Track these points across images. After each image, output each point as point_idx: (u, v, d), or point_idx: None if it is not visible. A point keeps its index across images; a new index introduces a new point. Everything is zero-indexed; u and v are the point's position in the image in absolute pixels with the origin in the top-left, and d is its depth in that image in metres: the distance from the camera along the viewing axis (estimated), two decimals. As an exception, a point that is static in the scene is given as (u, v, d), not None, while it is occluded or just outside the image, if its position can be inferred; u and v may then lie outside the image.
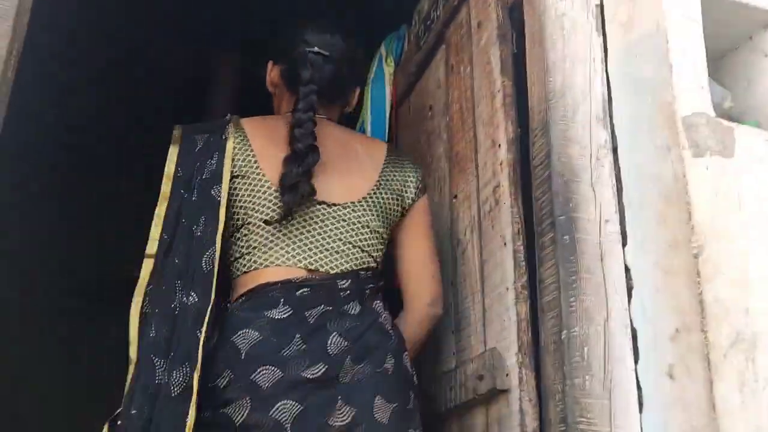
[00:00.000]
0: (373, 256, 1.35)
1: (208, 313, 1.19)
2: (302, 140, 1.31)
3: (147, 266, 1.26)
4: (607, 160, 1.16)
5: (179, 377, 1.14)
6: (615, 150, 1.18)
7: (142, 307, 1.23)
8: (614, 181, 1.15)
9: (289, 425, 1.13)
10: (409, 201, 1.41)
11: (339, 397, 1.16)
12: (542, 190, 1.17)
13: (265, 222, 1.29)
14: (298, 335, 1.20)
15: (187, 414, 1.10)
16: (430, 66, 1.80)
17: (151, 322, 1.20)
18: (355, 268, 1.31)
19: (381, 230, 1.36)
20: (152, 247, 1.28)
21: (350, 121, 1.62)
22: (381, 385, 1.19)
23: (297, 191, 1.28)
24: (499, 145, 1.35)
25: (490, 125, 1.40)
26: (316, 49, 1.40)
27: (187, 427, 1.10)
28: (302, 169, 1.29)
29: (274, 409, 1.13)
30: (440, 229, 1.59)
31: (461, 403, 1.29)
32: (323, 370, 1.17)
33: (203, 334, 1.17)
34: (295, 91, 1.38)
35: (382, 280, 1.37)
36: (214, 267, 1.24)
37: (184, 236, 1.28)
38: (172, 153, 1.36)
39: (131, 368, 1.17)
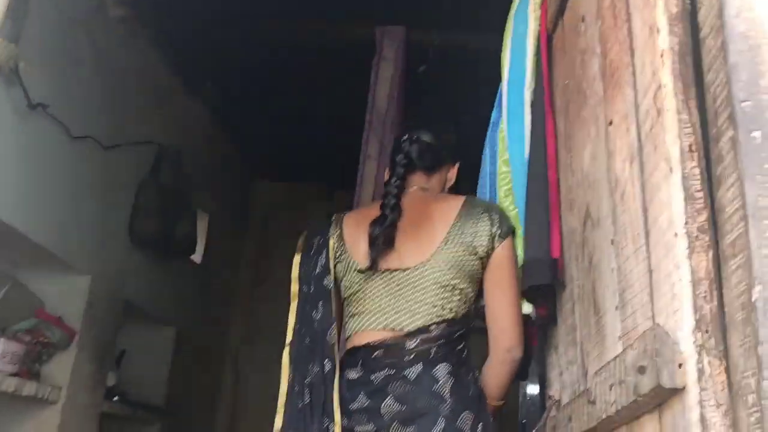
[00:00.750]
0: (447, 308, 1.52)
1: (336, 376, 1.48)
2: (388, 202, 1.63)
3: (287, 354, 1.57)
4: (831, 5, 0.69)
5: (327, 428, 1.46)
6: None
7: (288, 384, 1.54)
8: None
9: None
10: (483, 250, 1.53)
11: None
12: (715, 68, 0.74)
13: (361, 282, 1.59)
14: (363, 393, 1.48)
15: None
16: (580, -34, 1.39)
17: (303, 391, 1.51)
18: (426, 323, 1.51)
19: (454, 282, 1.53)
20: (290, 335, 1.59)
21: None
22: None
23: (377, 245, 1.57)
24: (658, 30, 0.91)
25: (645, 7, 0.97)
26: (406, 136, 1.74)
27: None
28: (383, 226, 1.58)
29: None
30: (597, 172, 1.18)
31: (623, 408, 0.88)
32: (371, 429, 1.45)
33: (335, 394, 1.46)
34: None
35: (461, 328, 1.53)
36: (336, 340, 1.53)
37: (307, 321, 1.59)
38: (296, 258, 1.69)
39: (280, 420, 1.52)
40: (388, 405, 1.45)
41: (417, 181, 1.70)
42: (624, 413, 0.89)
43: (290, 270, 1.67)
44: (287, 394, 1.52)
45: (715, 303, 0.74)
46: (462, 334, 1.54)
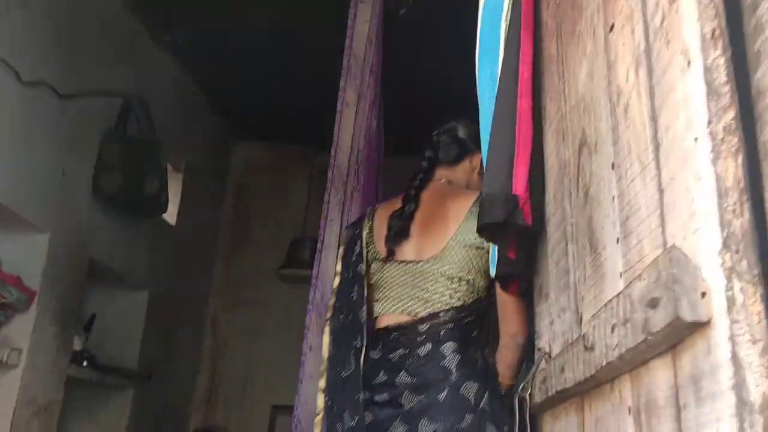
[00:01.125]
0: (455, 297, 1.70)
1: (363, 351, 1.70)
2: (408, 195, 1.84)
3: (327, 330, 1.85)
4: None
5: (357, 398, 1.67)
6: None
7: (327, 352, 1.81)
8: None
9: (367, 426, 1.65)
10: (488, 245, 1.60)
11: (399, 417, 1.61)
12: None
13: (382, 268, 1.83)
14: (382, 371, 1.69)
15: (364, 417, 1.65)
16: None
17: (342, 362, 1.74)
18: (436, 310, 1.70)
19: (461, 274, 1.70)
20: (330, 312, 1.87)
21: None
22: (429, 411, 1.58)
23: (391, 236, 1.79)
24: None
25: None
26: (435, 133, 1.95)
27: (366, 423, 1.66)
28: (400, 218, 1.80)
29: (362, 416, 1.65)
30: (594, 90, 1.03)
31: (628, 351, 0.74)
32: (386, 397, 1.65)
33: (362, 366, 1.69)
34: None
35: (470, 313, 1.70)
36: (364, 320, 1.74)
37: (346, 301, 1.82)
38: (341, 250, 1.97)
39: (323, 400, 1.79)
40: (402, 378, 1.65)
41: (443, 174, 1.89)
42: (629, 357, 0.75)
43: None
44: (328, 361, 1.79)
45: (747, 217, 0.60)
46: (472, 320, 1.70)
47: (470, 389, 1.59)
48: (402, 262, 1.76)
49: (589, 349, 0.87)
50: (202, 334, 4.57)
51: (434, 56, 3.29)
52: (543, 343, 1.29)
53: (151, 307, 3.68)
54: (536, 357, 1.30)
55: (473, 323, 1.70)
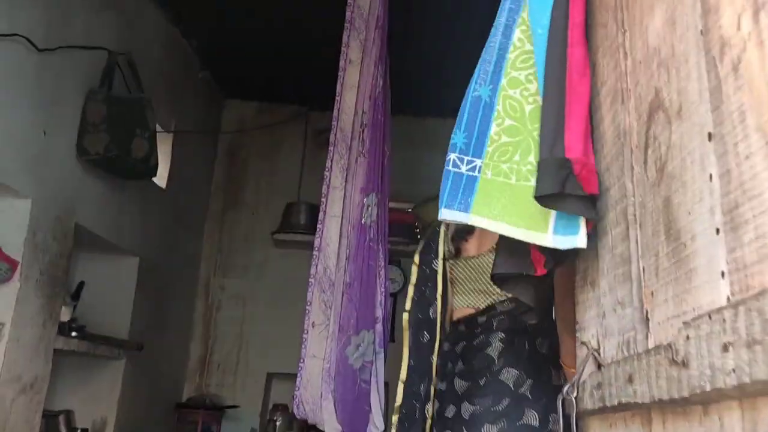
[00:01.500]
0: None
1: (437, 345, 1.85)
2: None
3: (405, 318, 1.96)
4: None
5: (425, 388, 1.86)
6: None
7: (407, 341, 1.94)
8: None
9: (435, 415, 1.81)
10: None
11: (451, 402, 1.76)
12: None
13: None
14: (449, 362, 1.82)
15: (425, 405, 1.84)
16: None
17: (412, 353, 1.92)
18: (493, 302, 1.81)
19: None
20: (408, 304, 1.96)
21: None
22: (470, 395, 1.71)
23: (458, 233, 1.92)
24: None
25: None
26: None
27: (430, 415, 1.82)
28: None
29: (429, 404, 1.84)
30: (676, 42, 0.84)
31: (755, 381, 0.58)
32: (444, 385, 1.81)
33: (435, 360, 1.85)
34: None
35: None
36: (437, 316, 1.88)
37: (419, 296, 1.94)
38: (421, 243, 2.03)
39: (402, 384, 1.93)
40: (459, 366, 1.77)
41: None
42: (753, 389, 0.58)
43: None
44: (408, 351, 1.91)
45: None
46: (526, 311, 1.70)
47: (510, 375, 1.67)
48: (467, 257, 1.87)
49: (679, 364, 0.70)
50: (195, 301, 4.43)
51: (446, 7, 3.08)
52: (588, 336, 1.13)
53: (142, 273, 3.51)
54: (581, 353, 1.14)
55: (527, 313, 1.72)
